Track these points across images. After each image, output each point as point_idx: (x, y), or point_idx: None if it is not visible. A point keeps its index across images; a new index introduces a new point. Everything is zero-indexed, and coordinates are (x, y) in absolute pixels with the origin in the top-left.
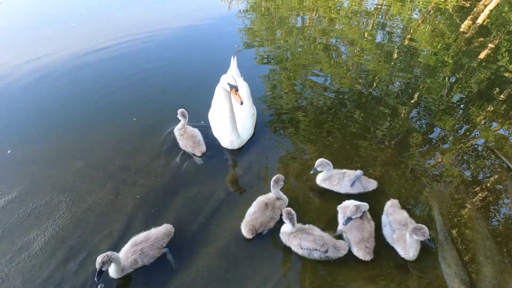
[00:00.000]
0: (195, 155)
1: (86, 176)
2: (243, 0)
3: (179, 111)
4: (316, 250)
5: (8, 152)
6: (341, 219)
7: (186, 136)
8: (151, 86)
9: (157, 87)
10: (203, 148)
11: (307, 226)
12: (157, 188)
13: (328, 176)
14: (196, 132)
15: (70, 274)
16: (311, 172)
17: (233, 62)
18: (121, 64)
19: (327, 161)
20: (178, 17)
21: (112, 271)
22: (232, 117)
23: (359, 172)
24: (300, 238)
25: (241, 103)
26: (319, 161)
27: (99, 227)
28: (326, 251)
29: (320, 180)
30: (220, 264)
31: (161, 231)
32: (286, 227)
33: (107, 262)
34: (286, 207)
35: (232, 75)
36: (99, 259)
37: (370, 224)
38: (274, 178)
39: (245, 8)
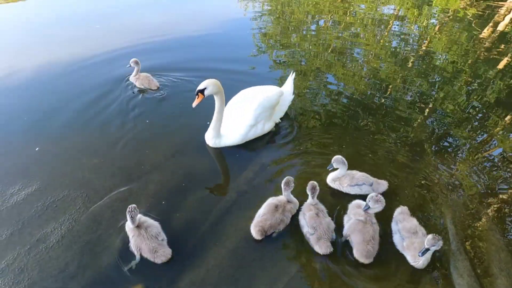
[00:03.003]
0: (150, 89)
1: (101, 173)
2: (259, 3)
3: (131, 60)
4: (307, 225)
5: (37, 149)
6: (346, 221)
7: (141, 77)
8: (168, 90)
9: (173, 91)
10: (157, 83)
11: (327, 216)
12: (171, 186)
13: (340, 176)
14: (148, 74)
15: (85, 267)
16: (328, 167)
17: (290, 78)
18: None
19: (344, 159)
20: (193, 21)
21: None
22: (218, 118)
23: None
24: (310, 210)
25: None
26: (336, 157)
27: (113, 223)
28: (311, 235)
29: (330, 179)
30: (229, 264)
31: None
32: (310, 200)
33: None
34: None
35: (215, 80)
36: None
37: (373, 227)
38: (284, 180)
39: (260, 12)
